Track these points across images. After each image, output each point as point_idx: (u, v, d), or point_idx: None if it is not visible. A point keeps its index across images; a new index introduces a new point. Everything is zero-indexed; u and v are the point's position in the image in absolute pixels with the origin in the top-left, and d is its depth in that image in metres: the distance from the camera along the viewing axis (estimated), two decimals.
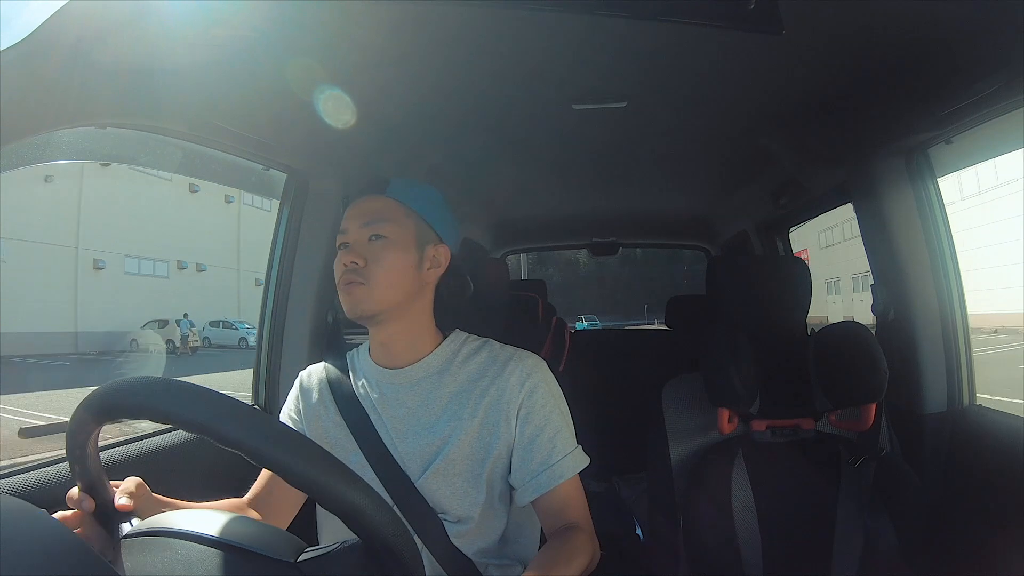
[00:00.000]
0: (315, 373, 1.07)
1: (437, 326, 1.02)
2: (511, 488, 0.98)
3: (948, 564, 1.24)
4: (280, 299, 1.50)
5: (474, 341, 1.04)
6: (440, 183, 1.18)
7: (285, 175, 1.49)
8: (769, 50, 1.12)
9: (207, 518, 0.57)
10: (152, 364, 12.01)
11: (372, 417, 0.98)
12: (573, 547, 0.88)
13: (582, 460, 0.97)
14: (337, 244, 1.00)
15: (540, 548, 0.98)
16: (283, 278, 1.50)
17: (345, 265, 0.95)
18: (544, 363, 1.02)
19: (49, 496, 0.89)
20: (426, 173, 1.79)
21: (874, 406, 1.25)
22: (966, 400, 1.38)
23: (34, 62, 0.80)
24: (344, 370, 1.05)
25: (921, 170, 1.38)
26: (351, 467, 0.93)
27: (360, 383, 1.02)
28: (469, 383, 0.97)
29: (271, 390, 1.51)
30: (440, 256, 0.99)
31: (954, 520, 1.27)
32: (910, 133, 1.29)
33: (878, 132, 1.35)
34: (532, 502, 0.95)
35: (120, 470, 1.07)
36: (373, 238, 0.96)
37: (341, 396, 1.02)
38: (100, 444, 0.64)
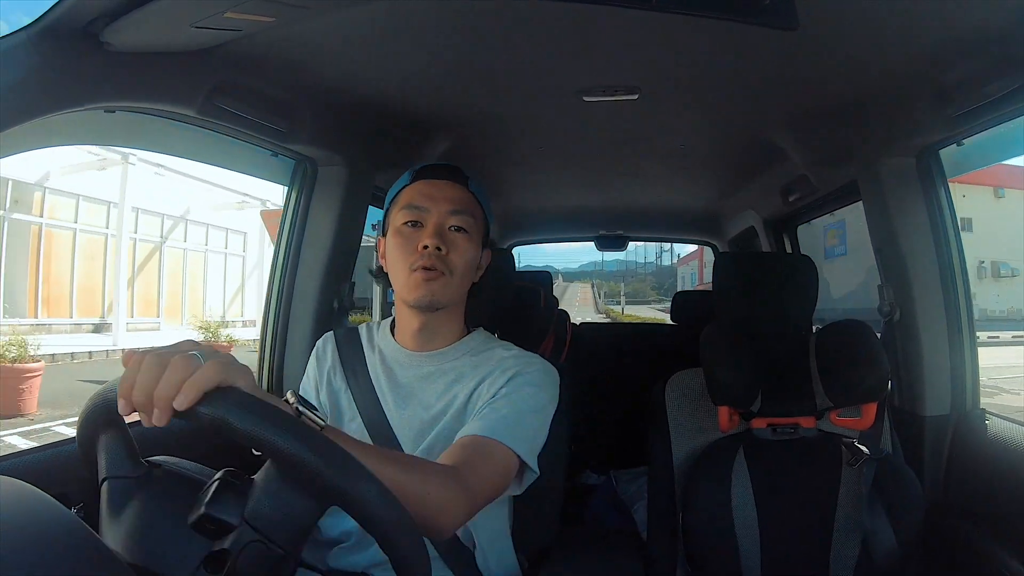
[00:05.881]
0: (329, 341, 1.11)
1: (465, 323, 1.06)
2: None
3: (945, 569, 1.24)
4: (286, 287, 1.50)
5: (495, 341, 1.07)
6: None
7: (293, 162, 1.49)
8: (783, 46, 1.10)
9: None
10: None
11: (376, 387, 1.01)
12: (431, 469, 0.74)
13: (518, 443, 0.85)
14: (404, 221, 0.97)
15: None
16: (289, 265, 1.50)
17: (426, 247, 0.93)
18: (554, 372, 1.00)
19: (54, 478, 0.90)
20: (436, 161, 1.78)
21: (875, 406, 1.24)
22: (969, 404, 1.37)
23: (43, 43, 0.80)
24: (356, 341, 1.09)
25: (931, 171, 1.37)
26: (350, 432, 0.92)
27: (376, 357, 1.05)
28: (471, 368, 1.00)
29: (275, 378, 1.51)
30: (485, 260, 1.04)
31: (952, 525, 1.26)
32: (921, 133, 1.28)
33: (889, 131, 1.33)
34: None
35: None
36: (454, 228, 0.96)
37: (350, 365, 1.05)
38: None
